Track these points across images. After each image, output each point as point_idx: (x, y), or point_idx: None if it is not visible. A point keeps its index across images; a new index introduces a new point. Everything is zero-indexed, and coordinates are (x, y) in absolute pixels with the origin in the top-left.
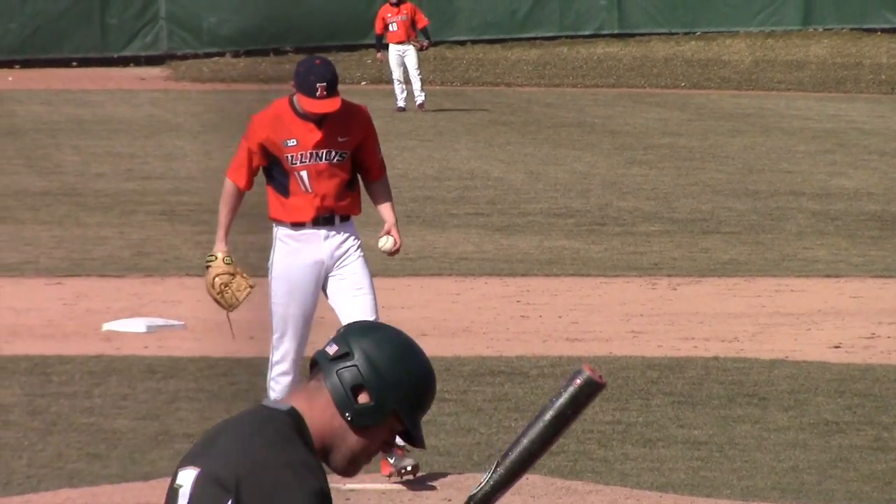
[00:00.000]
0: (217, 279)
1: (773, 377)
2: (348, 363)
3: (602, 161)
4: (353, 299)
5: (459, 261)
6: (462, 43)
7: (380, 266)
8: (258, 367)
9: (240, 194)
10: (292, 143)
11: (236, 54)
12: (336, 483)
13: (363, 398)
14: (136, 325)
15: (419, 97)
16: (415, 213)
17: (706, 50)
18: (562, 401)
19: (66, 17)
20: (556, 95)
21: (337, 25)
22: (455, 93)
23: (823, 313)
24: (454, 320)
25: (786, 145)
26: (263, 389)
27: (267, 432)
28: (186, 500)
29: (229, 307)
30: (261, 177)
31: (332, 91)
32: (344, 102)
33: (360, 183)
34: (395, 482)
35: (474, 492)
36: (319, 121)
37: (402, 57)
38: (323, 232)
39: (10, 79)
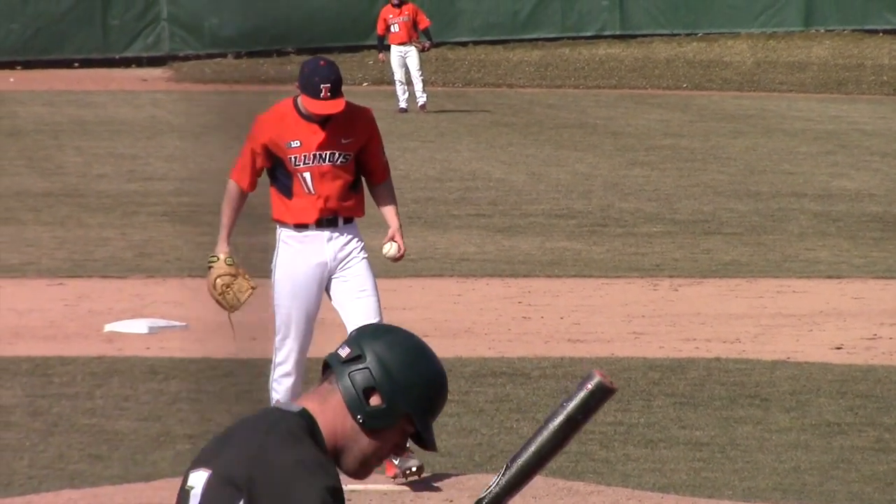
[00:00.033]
0: (219, 280)
1: (775, 378)
2: (360, 366)
3: (604, 162)
4: (356, 301)
5: (461, 262)
6: (464, 44)
7: (381, 267)
8: (260, 369)
9: (243, 195)
10: (296, 144)
11: (238, 55)
12: None
13: (375, 400)
14: (138, 326)
15: (421, 98)
16: (416, 214)
17: (708, 51)
18: (573, 405)
19: (68, 18)
20: (558, 96)
21: (339, 26)
22: (457, 94)
23: (825, 314)
24: (456, 321)
25: (787, 146)
26: (265, 391)
27: (279, 432)
28: (198, 502)
29: (231, 308)
30: (263, 178)
31: (336, 92)
32: (348, 104)
33: (364, 185)
34: (400, 483)
35: (483, 495)
36: (323, 122)
37: (404, 58)
38: (326, 234)
39: (12, 80)
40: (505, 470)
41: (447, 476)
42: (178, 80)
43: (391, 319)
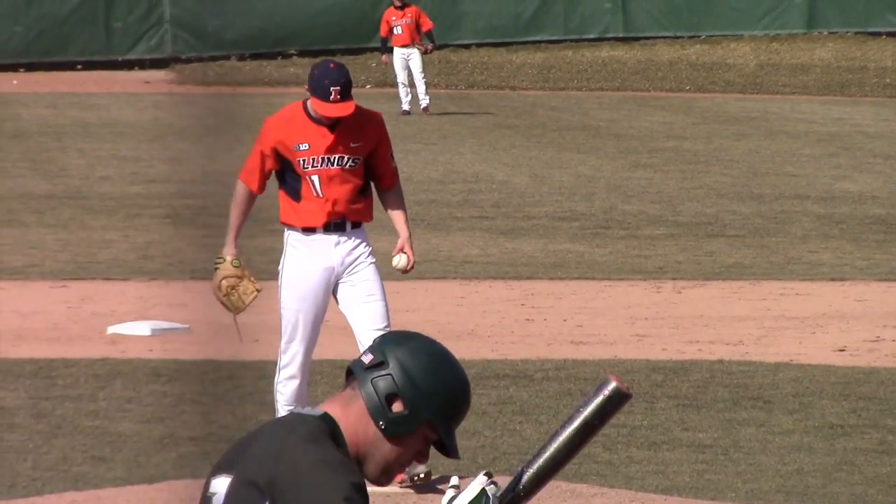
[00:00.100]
0: (224, 282)
1: (778, 380)
2: (383, 372)
3: (607, 164)
4: (364, 306)
5: (464, 264)
6: (467, 46)
7: (386, 270)
8: (263, 371)
9: (251, 197)
10: (304, 147)
11: (241, 57)
12: None
13: (397, 407)
14: (141, 328)
15: (424, 100)
16: (419, 216)
17: (711, 53)
18: (589, 410)
19: (71, 20)
20: (561, 99)
21: (341, 29)
22: (460, 96)
23: (828, 317)
24: (459, 323)
25: (790, 149)
26: (269, 393)
27: (300, 434)
28: None
29: (235, 310)
30: (270, 180)
31: (346, 95)
32: (358, 108)
33: (373, 189)
34: (405, 487)
35: (499, 499)
36: (332, 125)
37: (407, 60)
38: (334, 238)
39: (15, 82)
40: (520, 474)
41: (450, 478)
42: (180, 82)
43: (394, 322)
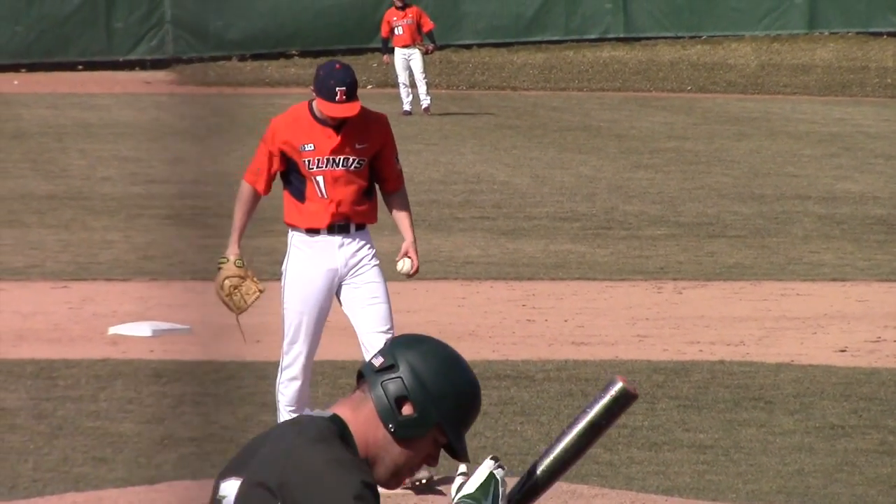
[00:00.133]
0: (227, 281)
1: (779, 381)
2: (393, 375)
3: (608, 165)
4: (367, 308)
5: (465, 264)
6: (468, 46)
7: (387, 270)
8: (264, 371)
9: (256, 198)
10: (309, 147)
11: (242, 58)
12: None
13: (407, 410)
14: (142, 328)
15: (425, 101)
16: (420, 216)
17: (712, 54)
18: (596, 410)
19: (72, 20)
20: (562, 99)
21: (343, 29)
22: (461, 96)
23: (829, 317)
24: (460, 324)
25: (791, 149)
26: (269, 394)
27: (309, 435)
28: None
29: (238, 310)
30: (275, 181)
31: (351, 96)
32: (363, 109)
33: (378, 192)
34: (405, 489)
35: (507, 499)
36: (338, 126)
37: (408, 60)
38: (338, 240)
39: (16, 82)
40: (528, 474)
41: (451, 479)
42: (181, 82)
43: (395, 323)
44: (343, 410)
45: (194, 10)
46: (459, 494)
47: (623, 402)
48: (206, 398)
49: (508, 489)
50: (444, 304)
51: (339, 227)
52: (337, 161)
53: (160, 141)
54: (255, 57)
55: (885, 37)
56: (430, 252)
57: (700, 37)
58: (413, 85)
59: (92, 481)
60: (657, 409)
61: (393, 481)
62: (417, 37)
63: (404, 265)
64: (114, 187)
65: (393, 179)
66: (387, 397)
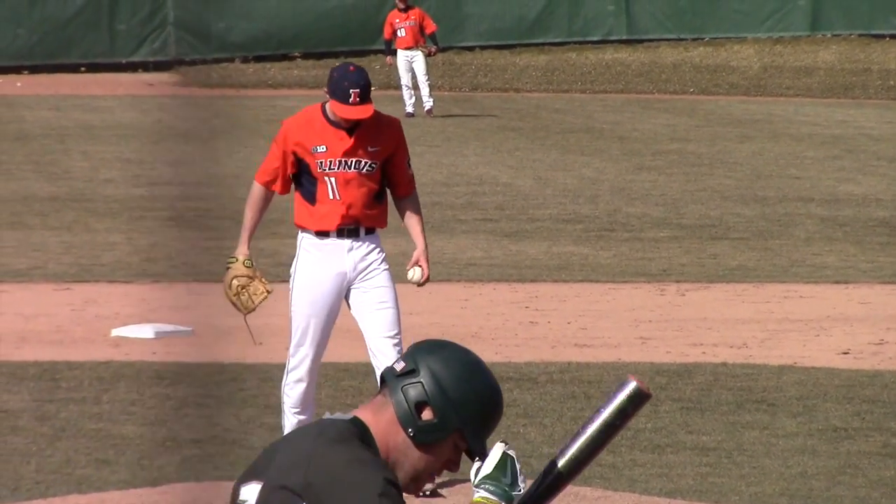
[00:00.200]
0: (235, 281)
1: (782, 383)
2: (414, 380)
3: (610, 167)
4: (376, 313)
5: (468, 266)
6: (470, 48)
7: (398, 277)
8: (267, 373)
9: (267, 198)
10: (322, 149)
11: (245, 60)
12: None
13: (427, 415)
14: (145, 330)
15: (427, 103)
16: (423, 218)
17: (714, 56)
18: (609, 411)
19: (75, 22)
20: (565, 101)
21: (345, 31)
22: (463, 98)
23: (832, 319)
24: (463, 326)
25: (794, 151)
26: (272, 395)
27: (329, 436)
28: None
29: (245, 310)
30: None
31: (365, 98)
32: (377, 112)
33: (389, 196)
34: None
35: (521, 500)
36: (351, 129)
37: (411, 62)
38: (347, 243)
39: (19, 84)
40: (543, 476)
41: (453, 483)
42: (184, 84)
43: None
44: (364, 414)
45: (197, 12)
46: (479, 476)
47: (637, 401)
48: (209, 400)
49: (526, 488)
50: (446, 306)
51: (348, 230)
52: (349, 163)
53: (163, 143)
54: (258, 59)
55: (887, 39)
56: (433, 254)
57: (703, 39)
58: (416, 87)
59: (94, 483)
60: (660, 411)
61: (413, 486)
62: (420, 39)
63: (415, 274)
64: (116, 189)
65: (404, 184)
66: (407, 402)
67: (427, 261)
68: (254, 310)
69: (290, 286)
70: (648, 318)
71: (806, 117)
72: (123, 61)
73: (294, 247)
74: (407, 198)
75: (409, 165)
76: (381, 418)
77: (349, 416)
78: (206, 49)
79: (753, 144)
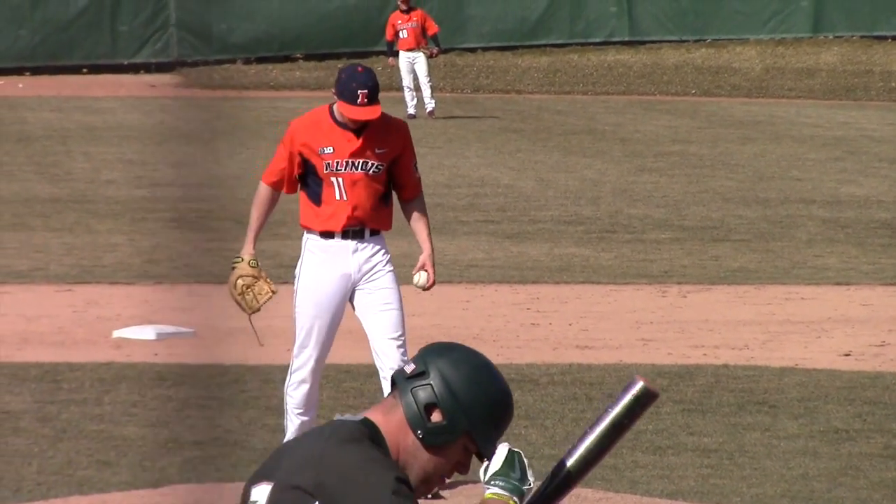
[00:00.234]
0: (240, 281)
1: (783, 385)
2: (423, 382)
3: (612, 168)
4: (380, 314)
5: (469, 268)
6: (472, 50)
7: (403, 278)
8: (269, 375)
9: (273, 199)
10: (329, 150)
11: (247, 61)
12: None
13: (436, 417)
14: (146, 332)
15: (429, 104)
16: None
17: (716, 57)
18: (618, 410)
19: (77, 24)
20: (567, 103)
21: (347, 32)
22: (465, 100)
23: (833, 321)
24: (464, 328)
25: (796, 153)
26: (274, 397)
27: (339, 436)
28: None
29: (249, 309)
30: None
31: (373, 99)
32: (384, 114)
33: (395, 199)
34: None
35: (530, 500)
36: (358, 130)
37: (413, 64)
38: (352, 245)
39: (21, 86)
40: (551, 476)
41: (453, 485)
42: (186, 85)
43: None
44: (374, 415)
45: (199, 14)
46: (488, 474)
47: (644, 401)
48: (211, 402)
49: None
50: (448, 307)
51: (353, 231)
52: (356, 164)
53: (164, 144)
54: (260, 60)
55: (889, 40)
56: (435, 255)
57: (704, 40)
58: (417, 88)
59: (96, 485)
60: (661, 412)
61: (423, 488)
62: (422, 40)
63: (420, 278)
64: (118, 190)
65: (411, 187)
66: (416, 404)
67: (433, 266)
68: (258, 310)
69: (295, 287)
70: (650, 320)
71: (808, 119)
72: (125, 62)
73: (296, 248)
74: (413, 201)
75: (416, 169)
76: (391, 420)
77: (359, 417)
78: (208, 50)
79: (755, 146)
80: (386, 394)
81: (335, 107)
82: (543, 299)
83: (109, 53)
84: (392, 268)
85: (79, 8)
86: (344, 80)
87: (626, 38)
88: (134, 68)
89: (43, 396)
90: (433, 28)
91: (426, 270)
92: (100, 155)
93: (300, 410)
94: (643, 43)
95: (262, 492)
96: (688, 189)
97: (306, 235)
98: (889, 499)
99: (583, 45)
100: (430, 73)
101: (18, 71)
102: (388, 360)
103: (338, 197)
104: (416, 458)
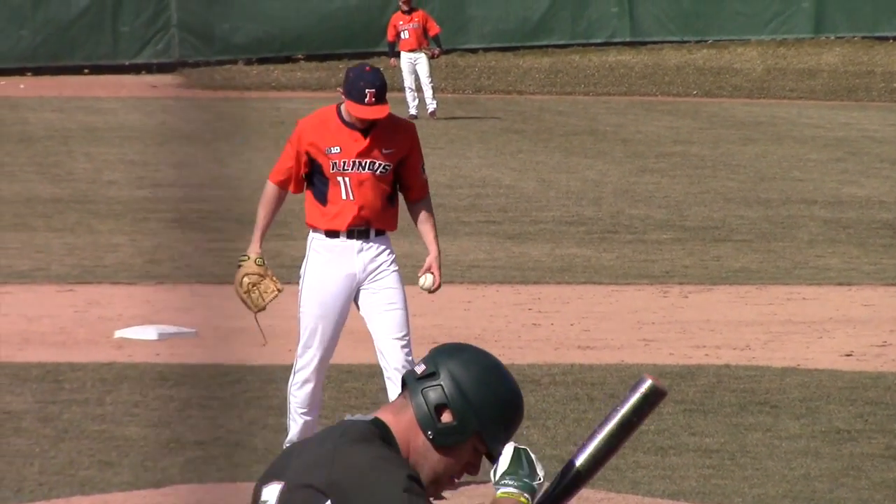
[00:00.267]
0: (246, 279)
1: (785, 385)
2: (433, 382)
3: (614, 169)
4: (384, 314)
5: (471, 268)
6: (474, 51)
7: (407, 278)
8: (271, 375)
9: (280, 198)
10: (336, 150)
11: (248, 62)
12: None
13: (446, 417)
14: (148, 332)
15: (431, 105)
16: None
17: (718, 58)
18: (626, 408)
19: (78, 24)
20: (568, 103)
21: (349, 33)
22: (467, 100)
23: (835, 321)
24: (466, 328)
25: (797, 153)
26: (276, 397)
27: (350, 436)
28: None
29: (255, 308)
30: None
31: (381, 98)
32: (391, 115)
33: (401, 199)
34: None
35: (539, 499)
36: (366, 130)
37: (414, 65)
38: (357, 245)
39: (23, 86)
40: (561, 475)
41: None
42: (187, 86)
43: None
44: (385, 415)
45: (200, 14)
46: (498, 473)
47: (653, 399)
48: (213, 402)
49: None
50: (449, 307)
51: (358, 231)
52: (363, 164)
53: (166, 144)
54: (261, 61)
55: (891, 41)
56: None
57: (706, 41)
58: (419, 89)
59: (98, 485)
60: (663, 413)
61: (433, 488)
62: (423, 41)
63: (426, 281)
64: (120, 191)
65: (418, 188)
66: (426, 404)
67: (439, 268)
68: (264, 308)
69: (300, 287)
70: (651, 320)
71: (809, 120)
72: (127, 63)
73: (298, 249)
74: (420, 202)
75: (424, 170)
76: (401, 420)
77: (370, 417)
78: (210, 51)
79: (756, 147)
80: (389, 393)
81: (343, 106)
82: (545, 300)
83: (111, 54)
84: (397, 268)
85: (80, 8)
86: (352, 79)
87: (628, 39)
88: (135, 69)
89: (44, 396)
90: (435, 29)
91: (432, 273)
92: (101, 155)
93: (303, 410)
94: (644, 44)
95: (272, 491)
96: (689, 190)
97: (311, 235)
98: (891, 499)
99: (584, 45)
100: (431, 74)
101: (20, 71)
102: (392, 359)
103: (344, 196)
104: (427, 458)
